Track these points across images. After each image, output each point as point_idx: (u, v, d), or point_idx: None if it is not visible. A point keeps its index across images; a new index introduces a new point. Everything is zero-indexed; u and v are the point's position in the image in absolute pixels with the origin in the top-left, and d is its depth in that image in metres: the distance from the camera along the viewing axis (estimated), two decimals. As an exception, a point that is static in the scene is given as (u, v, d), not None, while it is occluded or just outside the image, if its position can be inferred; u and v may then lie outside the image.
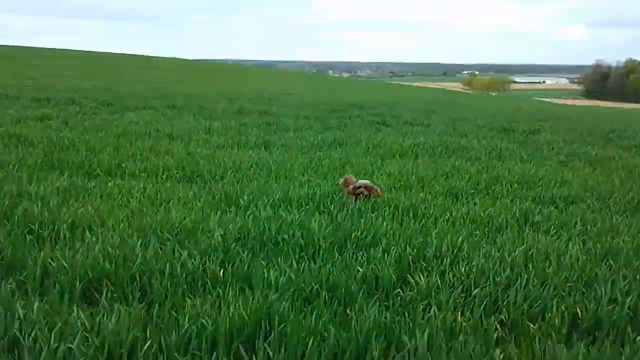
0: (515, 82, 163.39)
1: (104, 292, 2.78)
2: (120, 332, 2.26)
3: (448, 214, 4.70)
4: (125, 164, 6.65)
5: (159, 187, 5.59)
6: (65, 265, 3.06)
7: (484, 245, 3.68)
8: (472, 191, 5.99)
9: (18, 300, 2.57)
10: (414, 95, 37.43)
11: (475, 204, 5.21)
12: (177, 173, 6.37)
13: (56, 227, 3.80)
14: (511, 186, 6.20)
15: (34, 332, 2.20)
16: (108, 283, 2.89)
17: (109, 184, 5.63)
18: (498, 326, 2.53)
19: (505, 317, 2.62)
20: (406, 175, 6.57)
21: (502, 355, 2.28)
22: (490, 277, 3.00)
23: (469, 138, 11.27)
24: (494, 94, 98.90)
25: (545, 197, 5.69)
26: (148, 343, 2.21)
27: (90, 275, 2.95)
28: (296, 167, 7.02)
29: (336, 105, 18.77)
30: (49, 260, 3.10)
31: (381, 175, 6.68)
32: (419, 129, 12.86)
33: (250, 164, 7.06)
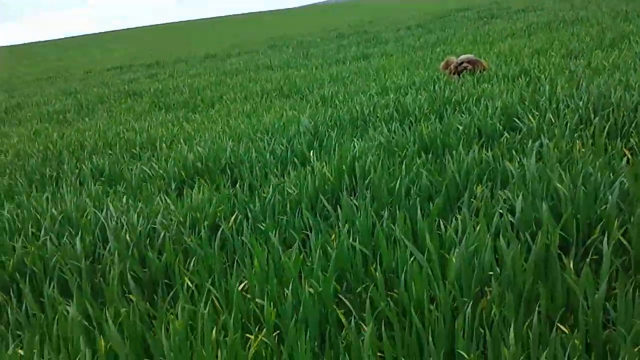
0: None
1: (196, 186, 2.73)
2: (204, 206, 2.17)
3: (566, 71, 4.13)
4: (225, 95, 6.68)
5: (256, 105, 5.53)
6: (160, 171, 3.06)
7: (606, 79, 3.15)
8: (595, 50, 5.27)
9: (112, 201, 2.58)
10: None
11: (596, 57, 4.55)
12: (275, 94, 6.27)
13: (154, 146, 3.85)
14: (638, 40, 5.37)
15: (122, 218, 2.17)
16: (201, 179, 2.83)
17: (210, 111, 5.67)
18: (626, 152, 2.10)
19: (635, 142, 2.17)
20: (517, 51, 5.94)
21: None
22: (614, 101, 2.52)
23: (589, 9, 10.07)
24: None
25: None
26: (234, 216, 2.09)
27: (183, 175, 2.91)
28: (395, 68, 6.64)
29: (442, 12, 17.73)
30: (147, 170, 3.11)
31: (489, 55, 6.10)
32: (533, 14, 11.74)
33: (348, 73, 6.79)
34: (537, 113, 2.66)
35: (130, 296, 1.67)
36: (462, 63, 4.66)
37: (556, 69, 4.24)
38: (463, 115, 2.97)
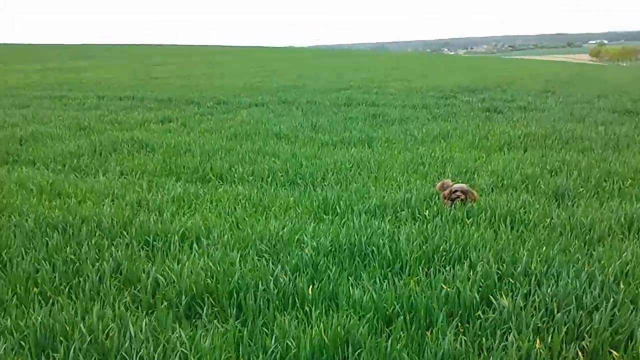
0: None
1: (205, 308, 3.08)
2: (215, 352, 2.53)
3: (548, 220, 4.57)
4: (234, 167, 7.07)
5: (263, 192, 5.90)
6: (174, 279, 3.41)
7: (578, 258, 3.57)
8: (580, 189, 5.73)
9: (130, 316, 2.93)
10: (533, 71, 35.64)
11: (579, 206, 5.00)
12: (281, 176, 6.66)
13: (168, 238, 4.20)
14: (623, 183, 5.85)
15: (141, 351, 2.53)
16: (209, 298, 3.19)
17: (219, 189, 6.04)
18: (579, 353, 2.50)
19: (586, 344, 2.57)
20: (510, 173, 6.40)
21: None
22: (576, 299, 2.93)
23: (586, 124, 10.66)
24: (624, 64, 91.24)
25: (660, 197, 5.32)
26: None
27: (194, 290, 3.27)
28: (397, 166, 7.08)
29: (446, 90, 18.43)
30: (160, 274, 3.46)
31: (484, 173, 6.55)
32: (533, 114, 12.34)
33: (351, 164, 7.21)
34: (509, 293, 3.05)
35: None
36: (455, 191, 5.11)
37: (539, 216, 4.68)
38: (447, 274, 3.36)
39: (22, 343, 2.68)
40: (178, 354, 2.53)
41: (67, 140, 9.14)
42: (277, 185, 6.39)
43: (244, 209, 5.28)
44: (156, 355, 2.50)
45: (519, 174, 6.38)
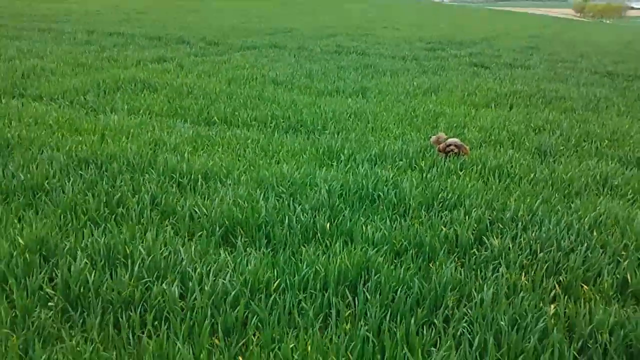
0: (634, 8, 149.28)
1: (239, 238, 3.57)
2: (257, 272, 3.03)
3: (532, 175, 5.11)
4: (237, 112, 7.43)
5: (269, 137, 6.32)
6: (206, 212, 3.88)
7: (559, 209, 4.13)
8: (561, 148, 6.27)
9: (177, 242, 3.41)
10: (518, 25, 35.92)
11: (560, 163, 5.55)
12: (283, 122, 7.06)
13: (192, 176, 4.64)
14: (600, 144, 6.41)
15: (198, 269, 3.03)
16: (241, 230, 3.67)
17: (228, 132, 6.44)
18: (556, 285, 3.07)
19: (563, 279, 3.15)
20: (497, 130, 6.90)
21: (554, 311, 2.83)
22: (556, 242, 3.50)
23: (568, 84, 11.17)
24: (608, 21, 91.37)
25: (632, 157, 5.89)
26: (277, 282, 2.97)
27: (227, 222, 3.74)
28: (391, 118, 7.52)
29: (434, 42, 18.73)
30: (193, 208, 3.93)
31: (473, 128, 7.03)
32: (518, 71, 12.78)
33: (348, 114, 7.63)
34: (499, 235, 3.61)
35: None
36: (449, 145, 5.60)
37: (524, 170, 5.22)
38: (445, 218, 3.90)
39: (93, 260, 3.14)
40: (227, 272, 3.03)
41: (68, 76, 9.34)
42: (279, 130, 6.80)
43: (254, 152, 5.71)
44: (211, 272, 3.00)
45: (505, 131, 6.89)
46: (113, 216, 3.81)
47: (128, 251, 3.23)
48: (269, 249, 3.47)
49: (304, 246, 3.50)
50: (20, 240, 3.30)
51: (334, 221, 3.80)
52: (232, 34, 17.87)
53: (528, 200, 4.28)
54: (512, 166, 5.35)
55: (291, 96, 8.79)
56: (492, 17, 51.39)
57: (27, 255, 3.14)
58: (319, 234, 3.64)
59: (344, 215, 3.89)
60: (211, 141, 6.02)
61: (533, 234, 3.61)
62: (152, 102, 7.78)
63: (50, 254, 3.22)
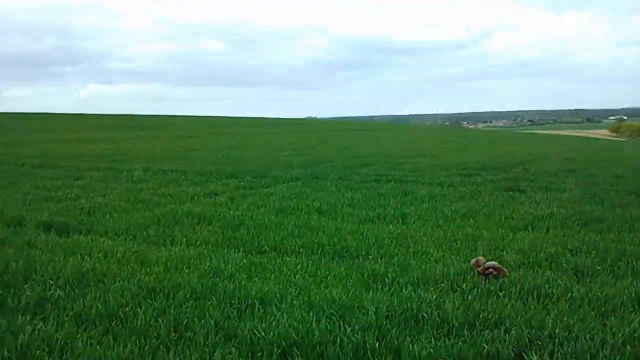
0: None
1: (295, 357, 3.92)
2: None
3: (569, 294, 5.35)
4: (286, 240, 7.97)
5: (316, 264, 6.77)
6: (264, 335, 4.26)
7: (594, 326, 4.36)
8: (597, 267, 6.50)
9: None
10: (553, 148, 36.64)
11: (596, 283, 5.78)
12: (329, 249, 7.54)
13: (250, 302, 5.07)
14: (636, 263, 6.61)
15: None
16: (296, 350, 4.03)
17: (278, 260, 6.93)
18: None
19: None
20: (535, 252, 7.20)
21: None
22: (590, 356, 3.72)
23: (604, 206, 11.42)
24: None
25: (669, 276, 6.07)
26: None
27: (283, 344, 4.11)
28: (431, 242, 7.92)
29: (469, 168, 19.40)
30: (253, 331, 4.32)
31: (512, 251, 7.34)
32: (554, 194, 13.14)
33: (390, 239, 8.08)
34: (538, 351, 3.86)
35: None
36: (488, 268, 5.95)
37: (561, 290, 5.47)
38: (487, 336, 4.17)
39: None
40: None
41: (130, 213, 10.18)
42: (326, 257, 7.25)
43: (304, 278, 6.14)
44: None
45: (542, 252, 7.17)
46: (182, 340, 4.23)
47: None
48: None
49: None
50: (105, 364, 3.73)
51: (382, 340, 4.12)
52: (276, 167, 18.98)
53: (565, 318, 4.52)
54: (549, 286, 5.61)
55: (335, 224, 9.34)
56: (526, 140, 52.65)
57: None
58: (369, 353, 3.96)
59: (391, 335, 4.21)
60: (264, 268, 6.50)
61: (569, 349, 3.85)
62: (208, 233, 8.43)
63: (131, 376, 3.62)
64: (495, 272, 5.88)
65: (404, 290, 5.46)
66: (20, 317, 4.65)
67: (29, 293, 5.23)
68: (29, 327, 4.38)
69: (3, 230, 8.43)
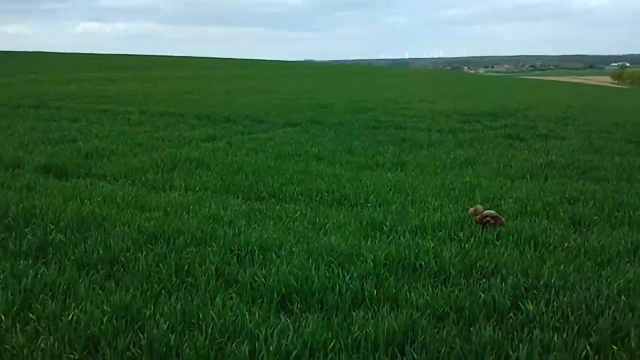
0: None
1: (295, 304, 3.99)
2: (315, 334, 3.43)
3: (565, 244, 5.41)
4: (284, 187, 7.98)
5: (315, 211, 6.80)
6: (264, 281, 4.32)
7: (590, 275, 4.43)
8: (594, 217, 6.55)
9: (237, 309, 3.85)
10: (553, 95, 36.38)
11: (593, 232, 5.83)
12: (327, 196, 7.56)
13: (250, 249, 5.12)
14: (633, 213, 6.66)
15: (263, 331, 3.45)
16: (296, 297, 4.09)
17: (277, 207, 6.95)
18: (587, 346, 3.36)
19: (593, 340, 3.43)
20: (532, 201, 7.23)
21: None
22: (586, 306, 3.80)
23: (603, 154, 11.42)
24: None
25: (665, 226, 6.13)
26: (332, 343, 3.35)
27: (283, 290, 4.17)
28: (429, 190, 7.94)
29: (469, 114, 19.26)
30: (253, 277, 4.38)
31: (509, 200, 7.37)
32: (553, 142, 13.11)
33: (388, 187, 8.09)
34: (534, 300, 3.93)
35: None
36: (486, 216, 5.98)
37: (558, 239, 5.53)
38: (483, 285, 4.24)
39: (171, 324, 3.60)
40: (288, 334, 3.43)
41: (128, 157, 10.15)
42: (325, 204, 7.28)
43: (303, 225, 6.18)
44: (274, 334, 3.41)
45: (540, 202, 7.21)
46: (184, 285, 4.29)
47: (201, 315, 3.68)
48: (322, 314, 3.86)
49: (354, 311, 3.88)
50: (108, 308, 3.79)
51: (380, 288, 4.19)
52: (273, 112, 18.82)
53: (561, 267, 4.59)
54: (546, 236, 5.66)
55: (334, 171, 9.34)
56: (527, 85, 52.19)
57: (115, 321, 3.62)
58: (367, 300, 4.03)
59: (389, 283, 4.28)
60: (263, 215, 6.54)
61: (565, 299, 3.92)
62: (207, 179, 8.42)
63: (134, 319, 3.69)
64: (492, 221, 5.92)
65: (402, 238, 5.51)
66: (22, 261, 4.70)
67: (30, 237, 5.26)
68: (31, 271, 4.43)
69: (1, 173, 8.41)
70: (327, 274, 4.49)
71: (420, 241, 5.37)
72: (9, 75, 37.07)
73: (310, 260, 4.79)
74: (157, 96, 25.03)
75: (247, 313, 3.72)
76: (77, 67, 52.05)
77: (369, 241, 5.39)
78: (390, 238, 5.60)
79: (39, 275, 4.39)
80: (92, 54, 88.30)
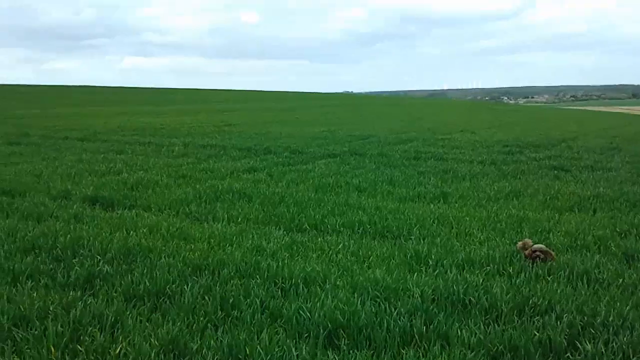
0: None
1: (342, 340, 3.90)
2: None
3: (620, 280, 5.19)
4: (326, 219, 7.94)
5: (358, 243, 6.72)
6: (310, 316, 4.26)
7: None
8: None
9: (284, 344, 3.79)
10: (597, 125, 35.61)
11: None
12: (370, 228, 7.48)
13: (294, 282, 5.07)
14: (691, 247, 6.37)
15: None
16: (343, 333, 4.01)
17: (319, 239, 6.91)
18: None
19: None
20: (582, 234, 7.00)
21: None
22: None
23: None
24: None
25: None
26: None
27: (329, 325, 4.10)
28: (474, 223, 7.78)
29: (511, 145, 18.97)
30: (299, 311, 4.32)
31: (558, 233, 7.15)
32: (600, 174, 12.75)
33: (432, 219, 7.97)
34: (591, 340, 3.75)
35: None
36: (536, 251, 5.81)
37: (612, 275, 5.32)
38: (537, 323, 4.08)
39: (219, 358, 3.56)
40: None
41: (172, 188, 10.30)
42: (367, 236, 7.20)
43: (346, 257, 6.11)
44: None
45: (590, 235, 6.97)
46: (229, 318, 4.26)
47: (248, 351, 3.63)
48: (371, 351, 3.77)
49: (404, 349, 3.78)
50: (155, 341, 3.78)
51: (429, 325, 4.08)
52: (313, 143, 18.93)
53: (618, 305, 4.39)
54: (599, 271, 5.45)
55: (375, 202, 9.26)
56: (569, 116, 51.26)
57: (163, 355, 3.60)
58: (416, 337, 3.92)
59: (438, 320, 4.16)
60: (305, 247, 6.50)
61: (625, 339, 3.73)
62: (248, 210, 8.46)
63: (181, 353, 3.67)
64: (542, 256, 5.74)
65: (448, 272, 5.38)
66: (71, 292, 4.76)
67: (78, 268, 5.34)
68: (79, 303, 4.48)
69: (50, 204, 8.63)
70: (374, 309, 4.40)
71: (468, 276, 5.24)
72: (58, 108, 38.45)
73: (355, 294, 4.71)
74: (200, 128, 25.53)
75: (294, 348, 3.66)
76: (122, 100, 53.72)
77: (414, 275, 5.28)
78: (437, 272, 5.48)
79: (87, 307, 4.43)
80: (137, 87, 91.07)
